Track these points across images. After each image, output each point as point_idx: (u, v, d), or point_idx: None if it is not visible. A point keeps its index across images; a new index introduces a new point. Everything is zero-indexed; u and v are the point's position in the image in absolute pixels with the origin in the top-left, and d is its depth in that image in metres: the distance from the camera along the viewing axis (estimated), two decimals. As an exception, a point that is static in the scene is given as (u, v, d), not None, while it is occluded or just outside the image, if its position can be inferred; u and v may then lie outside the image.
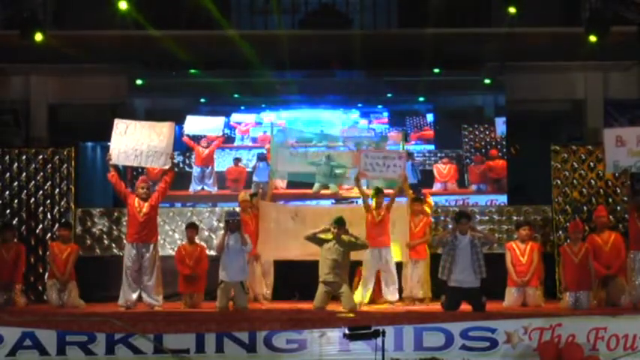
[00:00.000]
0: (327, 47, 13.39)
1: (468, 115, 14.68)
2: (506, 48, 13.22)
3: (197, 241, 11.39)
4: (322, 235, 10.14)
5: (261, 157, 13.84)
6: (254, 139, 14.69)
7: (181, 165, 14.07)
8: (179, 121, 13.69)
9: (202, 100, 14.72)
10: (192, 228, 11.24)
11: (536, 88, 14.14)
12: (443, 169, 14.37)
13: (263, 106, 14.67)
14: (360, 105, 14.74)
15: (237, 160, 14.27)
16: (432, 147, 14.78)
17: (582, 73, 14.35)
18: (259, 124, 14.70)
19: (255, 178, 13.85)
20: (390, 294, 10.76)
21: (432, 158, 14.60)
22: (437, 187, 14.33)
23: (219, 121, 14.22)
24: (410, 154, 13.98)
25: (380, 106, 14.82)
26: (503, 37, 12.97)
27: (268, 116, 14.54)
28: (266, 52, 13.20)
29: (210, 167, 14.12)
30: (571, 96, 14.52)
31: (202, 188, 14.07)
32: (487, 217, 12.60)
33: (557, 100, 14.57)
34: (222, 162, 14.34)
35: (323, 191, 13.17)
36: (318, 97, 14.55)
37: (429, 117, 14.78)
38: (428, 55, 13.23)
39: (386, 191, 11.24)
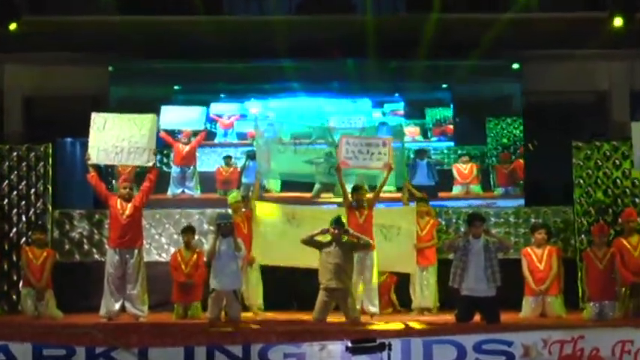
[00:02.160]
0: (327, 34, 13.31)
1: (494, 105, 14.02)
2: (521, 35, 13.14)
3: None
4: (320, 238, 10.00)
5: (252, 156, 13.17)
6: (241, 135, 14.07)
7: (158, 164, 13.30)
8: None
9: (176, 87, 14.04)
10: (189, 232, 11.20)
11: (555, 79, 14.08)
12: (463, 168, 13.85)
13: (249, 95, 14.01)
14: (370, 94, 14.03)
15: (228, 159, 13.72)
16: (450, 143, 14.20)
17: (606, 62, 14.29)
18: (244, 116, 14.09)
19: (244, 180, 13.29)
20: (371, 305, 10.49)
21: (451, 156, 13.95)
22: (457, 189, 13.79)
23: (199, 111, 13.43)
24: (424, 152, 13.59)
25: (396, 94, 14.16)
26: (518, 22, 12.90)
27: (255, 106, 13.92)
28: (261, 38, 13.11)
29: (191, 167, 13.52)
30: (593, 87, 14.47)
31: (182, 191, 13.48)
32: (502, 220, 12.55)
33: (578, 92, 14.50)
34: (207, 161, 13.79)
35: (324, 195, 12.72)
36: (318, 84, 13.91)
37: (448, 110, 14.17)
38: (435, 42, 13.14)
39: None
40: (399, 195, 12.00)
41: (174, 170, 13.56)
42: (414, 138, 13.77)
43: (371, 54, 13.42)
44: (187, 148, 13.49)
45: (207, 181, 13.68)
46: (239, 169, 13.63)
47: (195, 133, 13.62)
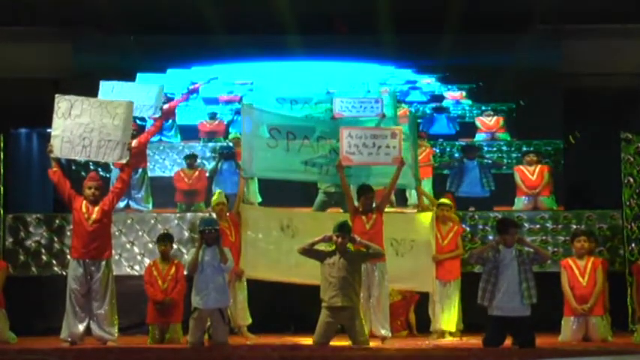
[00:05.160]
0: (329, 6, 13.31)
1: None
2: (561, 6, 13.14)
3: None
4: (322, 247, 9.95)
5: (226, 155, 12.73)
6: (190, 129, 13.30)
7: (92, 166, 12.53)
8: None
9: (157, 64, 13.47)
10: (165, 240, 11.19)
11: (600, 59, 14.13)
12: (529, 172, 12.69)
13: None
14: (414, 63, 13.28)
15: (191, 159, 12.89)
16: (506, 135, 13.28)
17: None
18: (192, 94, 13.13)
19: (215, 188, 12.45)
20: (381, 327, 10.39)
21: (513, 155, 13.00)
22: (521, 202, 12.64)
23: (155, 90, 11.71)
24: (475, 149, 13.00)
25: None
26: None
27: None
28: (256, 12, 13.12)
29: (140, 170, 12.67)
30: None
31: (127, 205, 12.70)
32: (538, 226, 12.50)
33: (626, 74, 14.51)
34: (161, 162, 13.11)
35: (332, 211, 11.97)
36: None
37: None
38: (454, 15, 13.15)
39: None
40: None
41: (116, 175, 11.74)
42: (492, 134, 13.09)
43: (382, 28, 13.45)
44: (134, 142, 11.73)
45: (161, 190, 13.02)
46: (207, 174, 12.96)
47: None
